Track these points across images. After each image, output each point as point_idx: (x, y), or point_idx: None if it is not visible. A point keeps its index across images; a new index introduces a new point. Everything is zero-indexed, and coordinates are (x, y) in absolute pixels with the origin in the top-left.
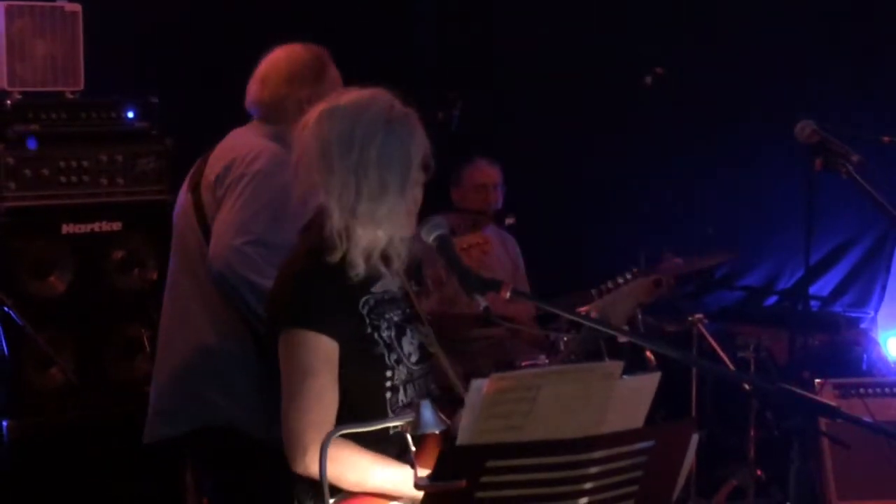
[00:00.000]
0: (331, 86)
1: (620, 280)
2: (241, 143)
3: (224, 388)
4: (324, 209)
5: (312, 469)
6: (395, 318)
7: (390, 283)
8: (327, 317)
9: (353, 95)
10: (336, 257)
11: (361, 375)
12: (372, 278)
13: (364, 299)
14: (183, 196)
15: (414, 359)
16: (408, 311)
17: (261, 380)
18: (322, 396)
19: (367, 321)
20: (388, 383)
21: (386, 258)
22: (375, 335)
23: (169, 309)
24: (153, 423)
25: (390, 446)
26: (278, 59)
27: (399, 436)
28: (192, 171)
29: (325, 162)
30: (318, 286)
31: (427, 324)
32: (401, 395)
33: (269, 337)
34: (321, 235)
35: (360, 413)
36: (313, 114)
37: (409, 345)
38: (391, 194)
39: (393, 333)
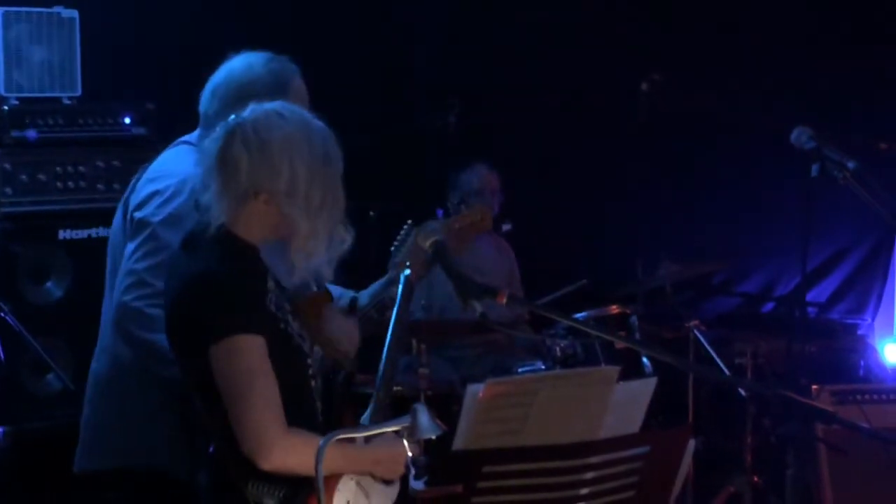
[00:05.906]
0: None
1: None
2: (170, 171)
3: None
4: (252, 219)
5: (282, 463)
6: (289, 310)
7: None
8: (254, 316)
9: (287, 112)
10: (255, 260)
11: (289, 368)
12: (265, 276)
13: (268, 297)
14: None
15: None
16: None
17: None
18: (273, 392)
19: (279, 316)
20: (310, 371)
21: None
22: (288, 329)
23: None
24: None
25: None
26: (233, 71)
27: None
28: (130, 184)
29: (292, 181)
30: (239, 289)
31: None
32: (314, 384)
33: (187, 356)
34: (237, 244)
35: (294, 405)
36: (244, 133)
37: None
38: (342, 197)
39: (297, 326)
